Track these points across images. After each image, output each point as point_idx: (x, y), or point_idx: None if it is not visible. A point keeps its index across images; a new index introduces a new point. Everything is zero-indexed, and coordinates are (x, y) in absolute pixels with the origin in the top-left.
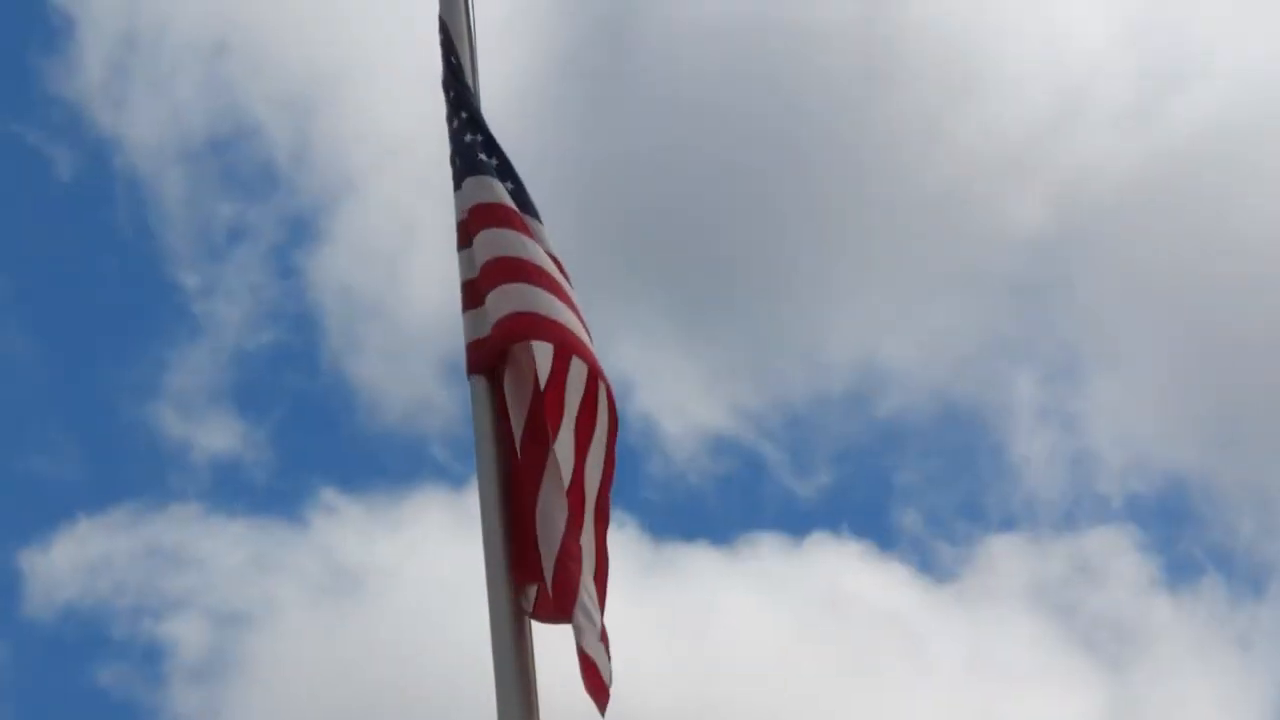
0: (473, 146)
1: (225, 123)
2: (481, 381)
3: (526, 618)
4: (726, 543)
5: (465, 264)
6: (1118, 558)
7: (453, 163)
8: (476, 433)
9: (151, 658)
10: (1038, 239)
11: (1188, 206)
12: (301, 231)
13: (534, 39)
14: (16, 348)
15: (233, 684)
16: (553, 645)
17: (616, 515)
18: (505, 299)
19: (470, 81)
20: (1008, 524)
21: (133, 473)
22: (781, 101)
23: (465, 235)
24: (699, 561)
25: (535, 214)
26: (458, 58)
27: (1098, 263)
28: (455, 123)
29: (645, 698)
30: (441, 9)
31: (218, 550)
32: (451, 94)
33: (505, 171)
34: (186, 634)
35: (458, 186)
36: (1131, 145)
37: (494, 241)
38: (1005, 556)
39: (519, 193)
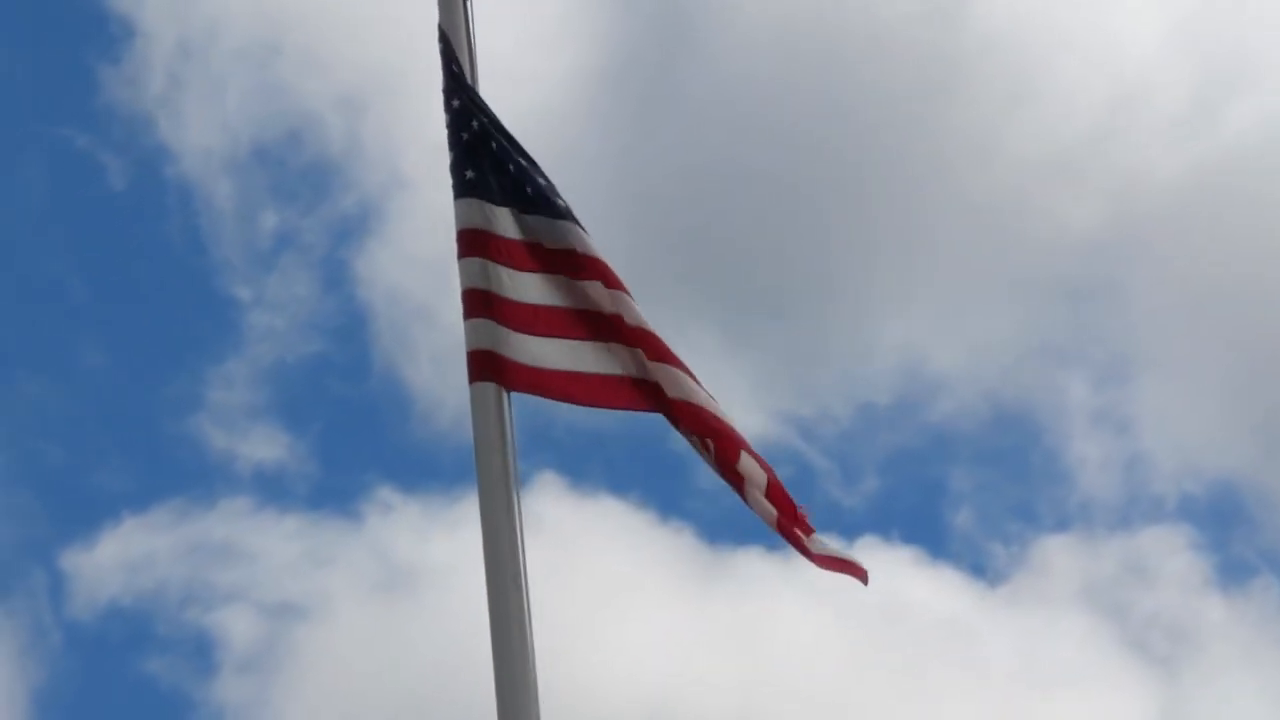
0: (499, 161)
1: (275, 127)
2: (482, 389)
3: (527, 619)
4: (779, 548)
5: (467, 273)
6: (1170, 558)
7: (455, 171)
8: (477, 439)
9: (201, 649)
10: (1090, 244)
11: (1239, 212)
12: (352, 236)
13: (585, 48)
14: (67, 357)
15: (283, 676)
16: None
17: (671, 523)
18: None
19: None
20: (1060, 526)
21: (185, 475)
22: (832, 110)
23: (478, 248)
24: (752, 567)
25: (564, 216)
26: (459, 65)
27: (1150, 267)
28: (465, 134)
29: (700, 701)
30: (441, 18)
31: (271, 545)
32: (456, 103)
33: (524, 176)
34: (237, 626)
35: (460, 195)
36: (1185, 151)
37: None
38: (1058, 558)
39: (538, 197)
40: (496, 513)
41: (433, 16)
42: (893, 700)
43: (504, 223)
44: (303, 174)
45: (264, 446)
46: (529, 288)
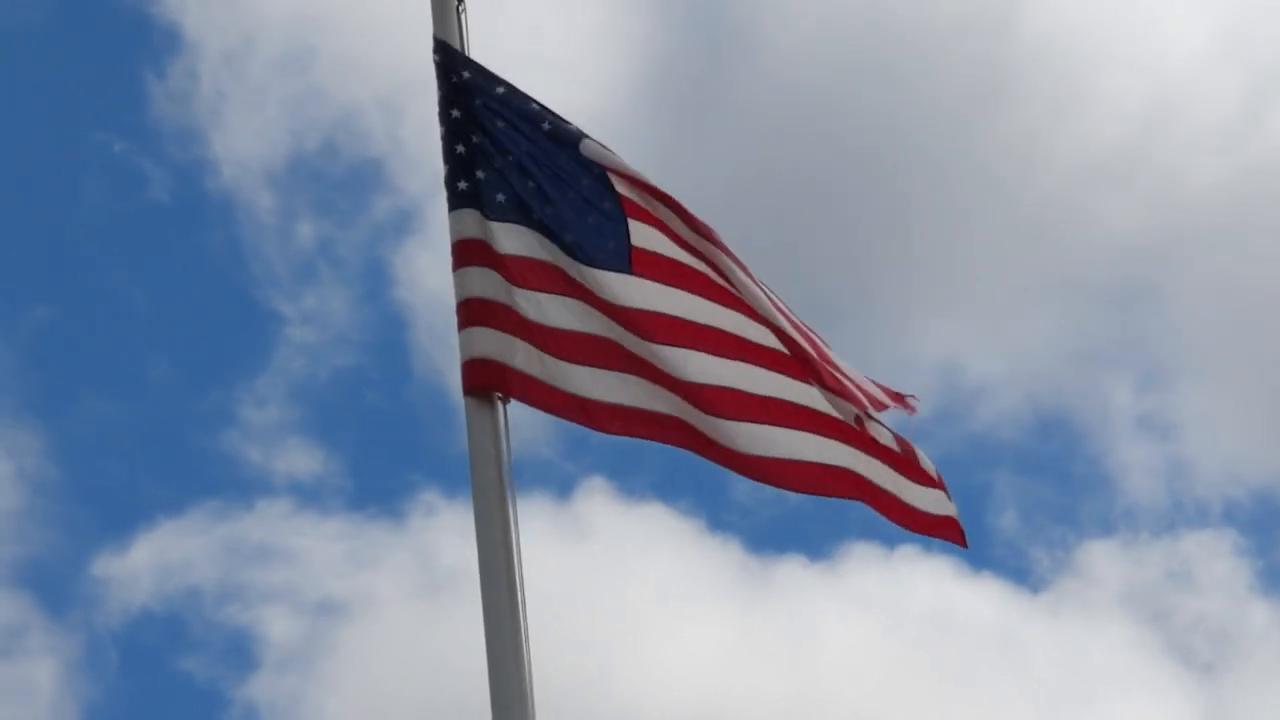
0: (501, 175)
1: (314, 134)
2: (477, 401)
3: (523, 632)
4: (822, 558)
5: (461, 284)
6: (1214, 564)
7: (449, 184)
8: (472, 451)
9: (241, 648)
10: (1133, 249)
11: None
12: (394, 241)
13: (627, 56)
14: (116, 369)
15: (323, 674)
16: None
17: (719, 532)
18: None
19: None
20: (1103, 532)
21: (228, 486)
22: (876, 117)
23: (473, 259)
24: (797, 578)
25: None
26: (459, 75)
27: (1194, 272)
28: (461, 147)
29: (746, 712)
30: (435, 29)
31: (314, 545)
32: (455, 114)
33: (541, 191)
34: (279, 626)
35: (455, 208)
36: (1230, 157)
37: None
38: (1101, 564)
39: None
40: (491, 525)
41: (467, 13)
42: (937, 709)
43: (503, 237)
44: (344, 180)
45: (309, 453)
46: (530, 303)
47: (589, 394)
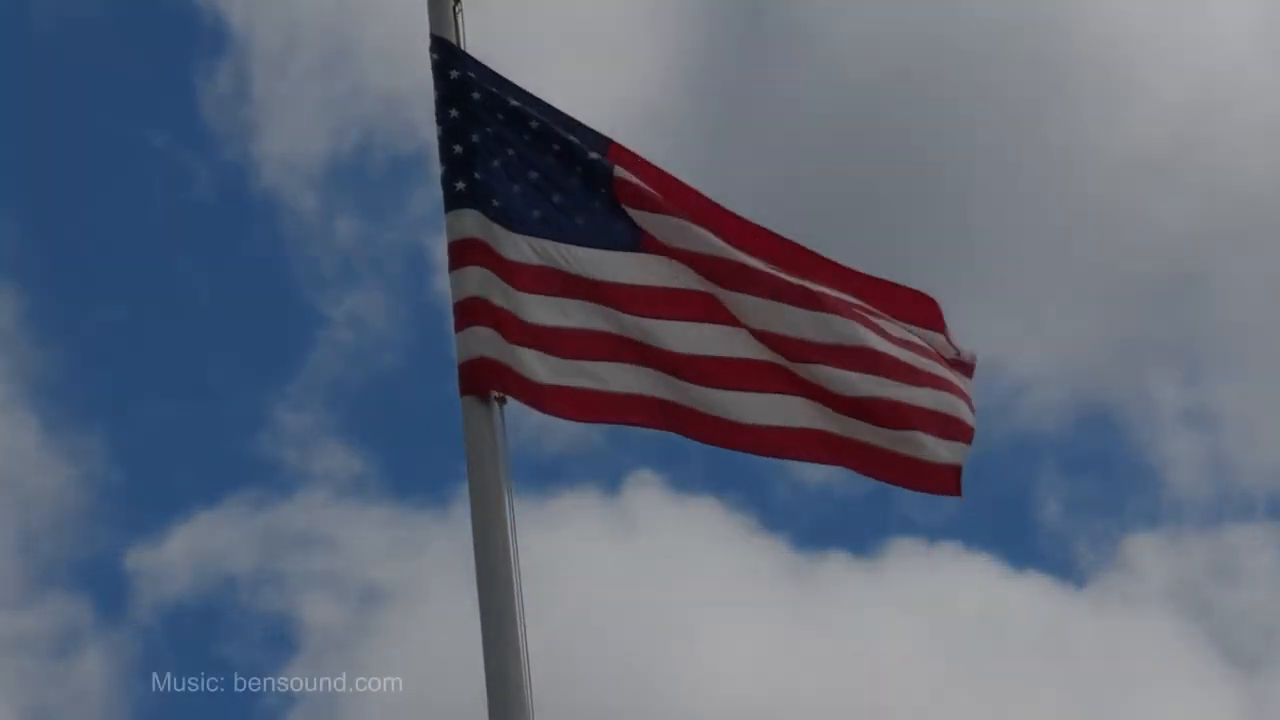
0: (499, 174)
1: (354, 129)
2: (473, 402)
3: (520, 630)
4: (866, 555)
5: (458, 285)
6: (1258, 557)
7: (445, 184)
8: (469, 453)
9: (281, 633)
10: (1178, 242)
11: None
12: (435, 230)
13: (671, 46)
14: (164, 368)
15: (364, 660)
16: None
17: (768, 528)
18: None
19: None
20: (1147, 525)
21: (273, 483)
22: (920, 110)
23: (469, 259)
24: (843, 577)
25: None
26: (460, 71)
27: (1239, 265)
28: (459, 147)
29: (794, 708)
30: (432, 26)
31: (359, 534)
32: (454, 114)
33: (541, 191)
34: (321, 610)
35: (451, 208)
36: (1276, 152)
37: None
38: (1145, 558)
39: (552, 217)
40: (489, 526)
41: (496, 4)
42: (984, 704)
43: (502, 240)
44: (386, 175)
45: (350, 451)
46: (527, 306)
47: (586, 386)
